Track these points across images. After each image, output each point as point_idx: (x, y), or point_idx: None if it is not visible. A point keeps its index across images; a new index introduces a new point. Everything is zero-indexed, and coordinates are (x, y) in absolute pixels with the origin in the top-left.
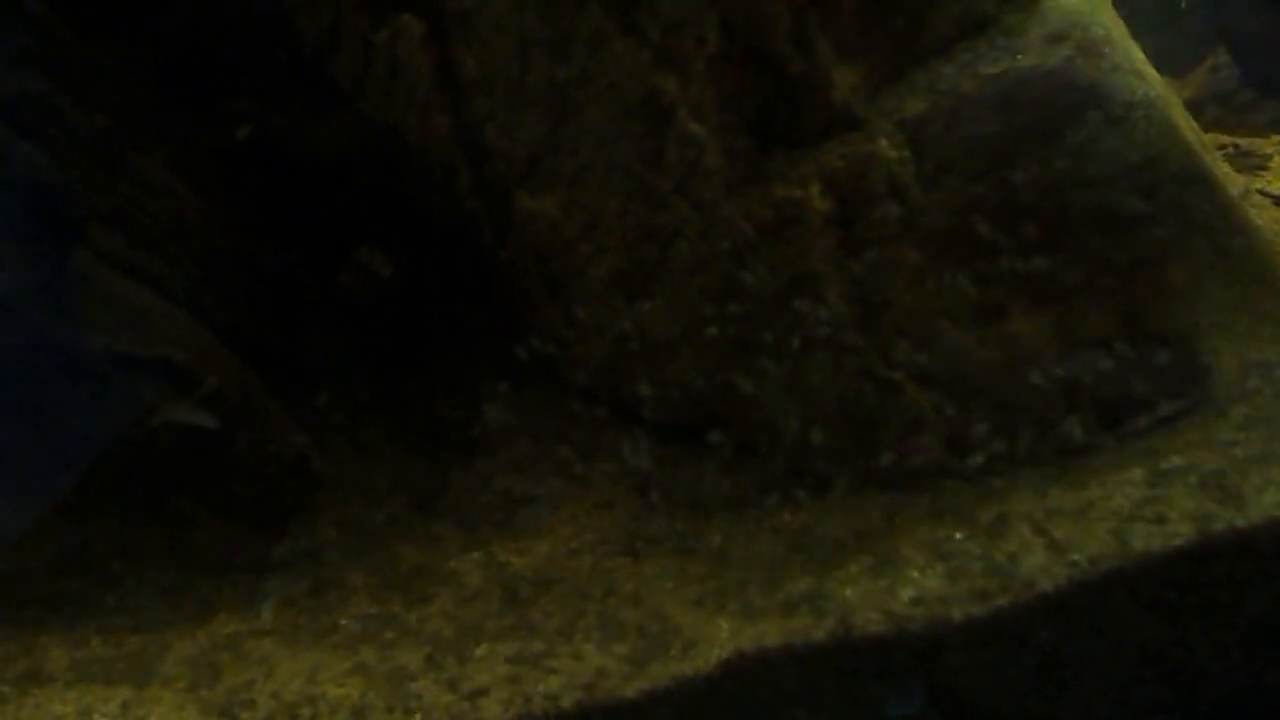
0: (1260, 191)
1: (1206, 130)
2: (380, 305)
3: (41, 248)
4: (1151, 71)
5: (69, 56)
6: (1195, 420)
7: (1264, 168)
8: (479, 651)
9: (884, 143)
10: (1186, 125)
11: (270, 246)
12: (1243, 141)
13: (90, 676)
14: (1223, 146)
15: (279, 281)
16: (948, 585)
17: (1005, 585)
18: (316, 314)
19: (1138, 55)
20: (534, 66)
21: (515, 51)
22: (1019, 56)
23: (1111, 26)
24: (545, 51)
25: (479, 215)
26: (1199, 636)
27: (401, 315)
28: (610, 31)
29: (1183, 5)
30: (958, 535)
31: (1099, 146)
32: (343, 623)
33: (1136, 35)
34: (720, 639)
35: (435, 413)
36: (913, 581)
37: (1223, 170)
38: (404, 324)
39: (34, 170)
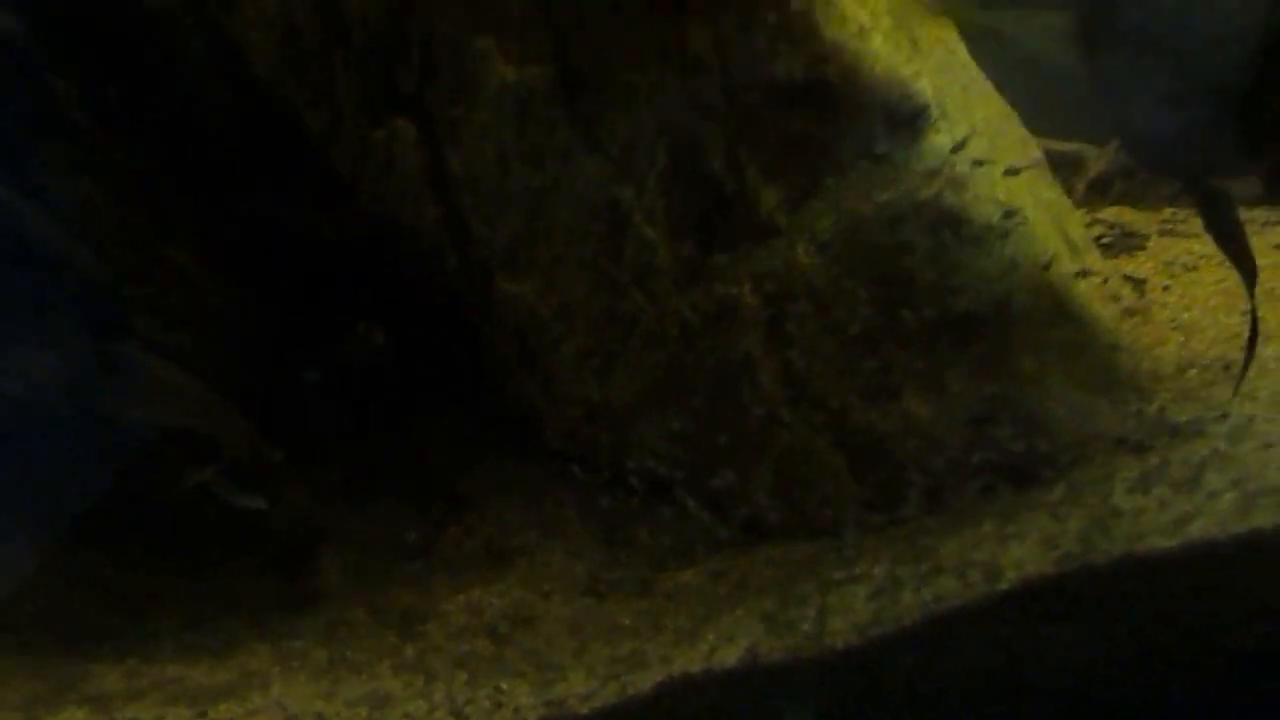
0: (1125, 276)
1: (1113, 203)
2: (377, 374)
3: (91, 334)
4: (1018, 198)
5: (108, 160)
6: (1041, 485)
7: (1141, 248)
8: (463, 677)
9: (800, 250)
10: (1050, 233)
11: (279, 323)
12: (1128, 220)
13: (132, 697)
14: (1108, 229)
15: (287, 355)
16: (839, 620)
17: (882, 619)
18: (320, 384)
19: (1002, 185)
20: (513, 172)
21: (496, 158)
22: (903, 186)
23: (984, 155)
24: (522, 161)
25: (465, 295)
26: (1032, 668)
27: (396, 383)
28: (576, 149)
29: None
30: (847, 577)
31: (963, 262)
32: (348, 654)
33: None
34: (657, 665)
35: (427, 472)
36: (808, 618)
37: (1085, 261)
38: (399, 391)
39: (86, 269)
